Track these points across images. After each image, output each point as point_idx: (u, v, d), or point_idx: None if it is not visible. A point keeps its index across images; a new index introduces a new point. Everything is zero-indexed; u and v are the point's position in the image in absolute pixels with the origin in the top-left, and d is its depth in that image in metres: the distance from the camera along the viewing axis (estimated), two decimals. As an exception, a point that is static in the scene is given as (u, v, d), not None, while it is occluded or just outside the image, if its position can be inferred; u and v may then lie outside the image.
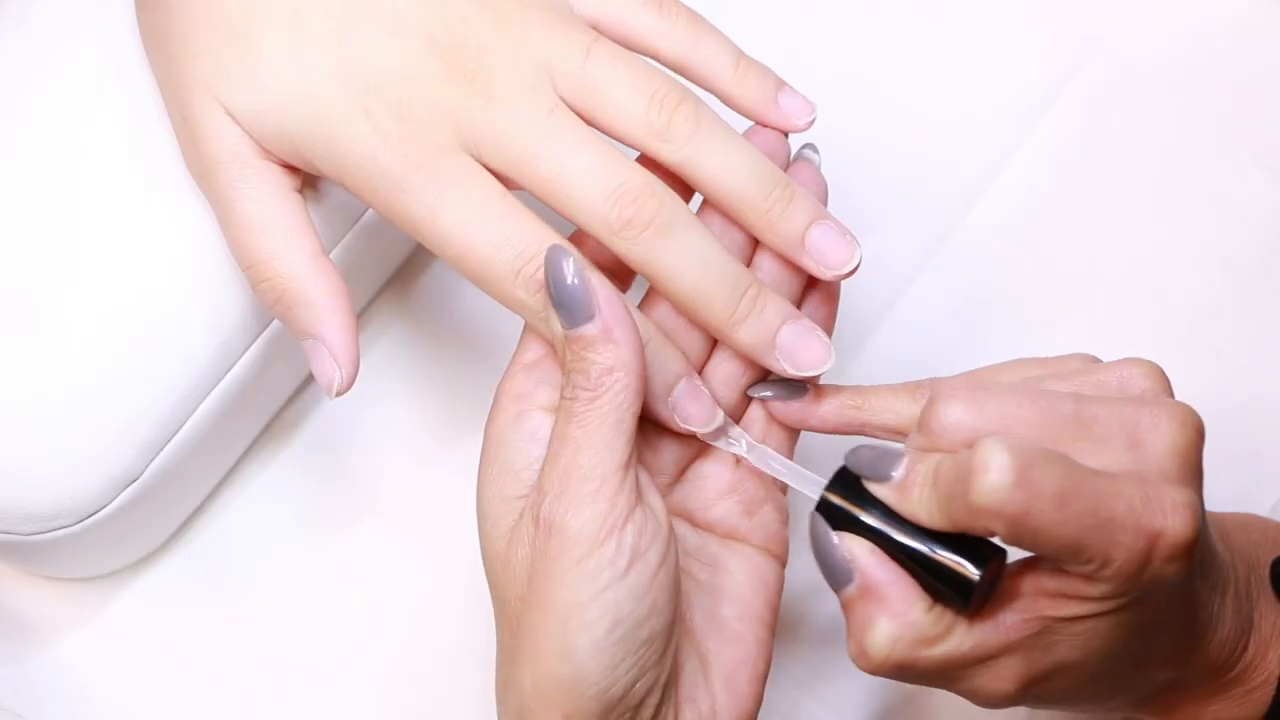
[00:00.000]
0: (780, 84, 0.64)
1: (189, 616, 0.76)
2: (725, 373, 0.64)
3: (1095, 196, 0.80)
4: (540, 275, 0.59)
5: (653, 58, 0.64)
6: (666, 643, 0.58)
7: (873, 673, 0.58)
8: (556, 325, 0.59)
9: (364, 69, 0.61)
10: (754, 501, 0.64)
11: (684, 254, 0.61)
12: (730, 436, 0.63)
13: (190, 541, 0.76)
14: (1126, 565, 0.55)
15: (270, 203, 0.63)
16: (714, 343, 0.64)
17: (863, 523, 0.58)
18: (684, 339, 0.63)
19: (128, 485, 0.68)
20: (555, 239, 0.60)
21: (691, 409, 0.62)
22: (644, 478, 0.60)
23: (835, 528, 0.59)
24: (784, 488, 0.66)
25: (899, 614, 0.57)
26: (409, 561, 0.76)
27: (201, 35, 0.62)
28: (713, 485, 0.64)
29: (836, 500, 0.59)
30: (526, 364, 0.61)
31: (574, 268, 0.58)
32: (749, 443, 0.63)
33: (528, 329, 0.62)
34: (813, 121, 0.64)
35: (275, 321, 0.70)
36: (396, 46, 0.61)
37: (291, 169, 0.64)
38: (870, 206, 0.78)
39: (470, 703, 0.74)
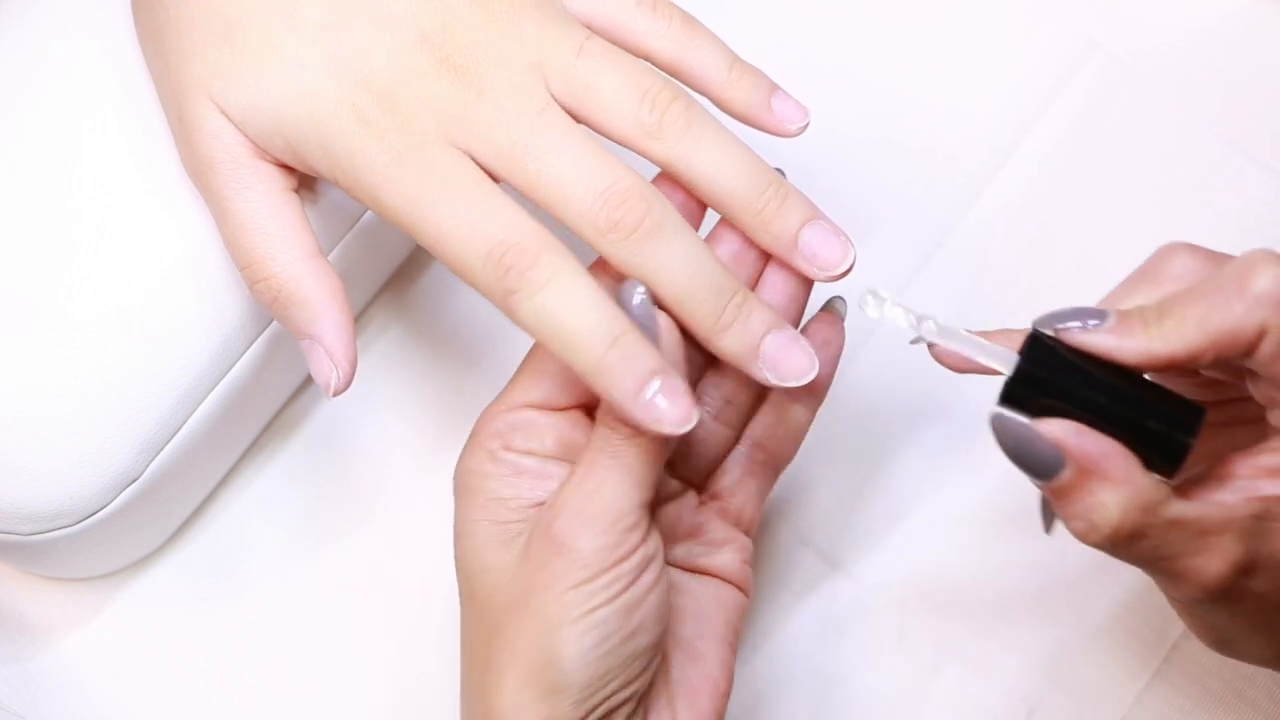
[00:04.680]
0: (774, 88, 0.64)
1: (189, 616, 0.76)
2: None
3: (1094, 196, 0.80)
4: (507, 260, 0.58)
5: (646, 59, 0.64)
6: (651, 658, 0.59)
7: (1102, 546, 0.56)
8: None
9: (355, 64, 0.61)
10: (715, 543, 0.65)
11: (671, 259, 0.60)
12: (919, 324, 0.60)
13: (190, 541, 0.76)
14: None
15: (265, 202, 0.63)
16: None
17: (1065, 394, 0.56)
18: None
19: (128, 485, 0.68)
20: (534, 229, 0.59)
21: (664, 409, 0.58)
22: None
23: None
24: (749, 529, 0.66)
25: (1123, 481, 0.55)
26: (409, 561, 0.76)
27: (197, 35, 0.62)
28: (673, 530, 0.64)
29: (1040, 363, 0.56)
30: (511, 406, 0.61)
31: (647, 302, 0.59)
32: (936, 324, 0.60)
33: (521, 368, 0.61)
34: (805, 126, 0.64)
35: (275, 322, 0.70)
36: (388, 41, 0.61)
37: (287, 169, 0.64)
38: (869, 206, 0.78)
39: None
